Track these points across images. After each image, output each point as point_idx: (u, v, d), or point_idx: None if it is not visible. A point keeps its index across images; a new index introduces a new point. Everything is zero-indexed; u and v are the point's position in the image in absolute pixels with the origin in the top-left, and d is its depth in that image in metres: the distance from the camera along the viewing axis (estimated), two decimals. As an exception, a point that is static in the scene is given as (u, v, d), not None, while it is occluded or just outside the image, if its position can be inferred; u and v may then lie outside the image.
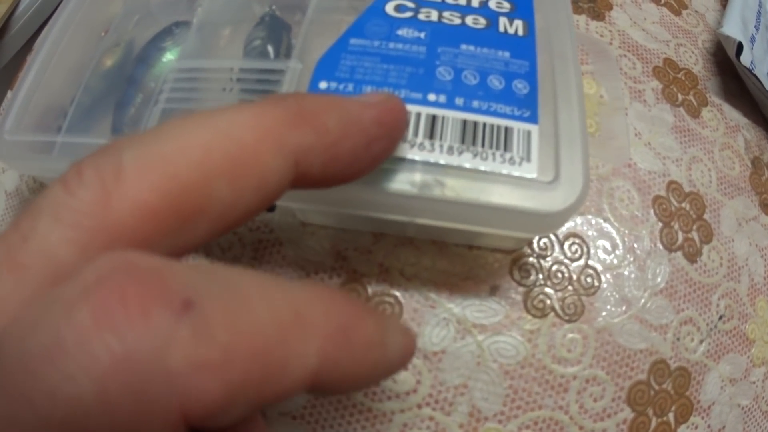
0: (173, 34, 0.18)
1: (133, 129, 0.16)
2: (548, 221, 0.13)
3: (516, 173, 0.13)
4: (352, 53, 0.14)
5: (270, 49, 0.17)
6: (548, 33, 0.15)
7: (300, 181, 0.09)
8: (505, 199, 0.12)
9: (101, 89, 0.17)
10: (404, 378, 0.16)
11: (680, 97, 0.20)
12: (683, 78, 0.21)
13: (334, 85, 0.14)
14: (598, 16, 0.20)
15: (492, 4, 0.16)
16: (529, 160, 0.13)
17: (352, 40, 0.14)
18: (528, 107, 0.13)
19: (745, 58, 0.22)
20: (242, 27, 0.19)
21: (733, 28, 0.23)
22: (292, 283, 0.08)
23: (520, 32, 0.15)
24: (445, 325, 0.16)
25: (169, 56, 0.17)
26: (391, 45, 0.14)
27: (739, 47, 0.22)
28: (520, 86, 0.14)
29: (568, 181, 0.13)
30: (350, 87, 0.14)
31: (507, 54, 0.14)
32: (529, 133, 0.13)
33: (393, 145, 0.11)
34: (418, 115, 0.13)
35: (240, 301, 0.07)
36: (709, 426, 0.19)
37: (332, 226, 0.16)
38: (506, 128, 0.13)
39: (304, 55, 0.15)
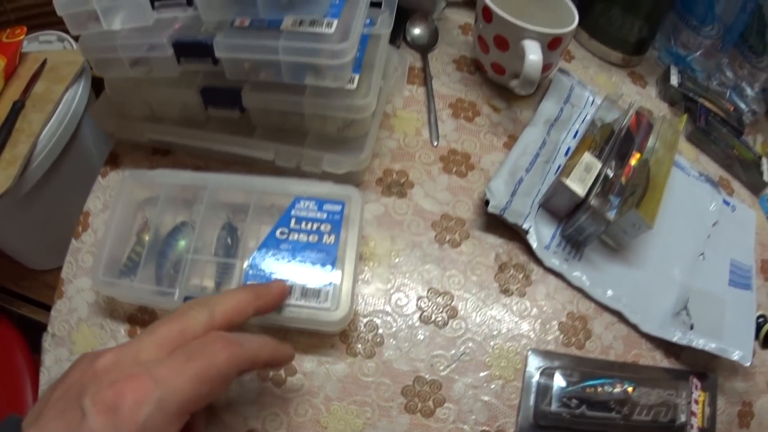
0: (182, 231, 0.48)
1: (170, 283, 0.46)
2: (334, 326, 0.42)
3: (321, 307, 0.42)
4: (262, 258, 0.44)
5: (230, 242, 0.46)
6: (346, 234, 0.44)
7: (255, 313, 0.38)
8: (314, 318, 0.41)
9: (143, 253, 0.48)
10: (296, 380, 0.46)
11: (448, 237, 0.48)
12: (453, 225, 0.48)
13: (254, 272, 0.43)
14: (403, 195, 0.48)
15: (323, 228, 0.44)
16: (326, 300, 0.42)
17: (263, 250, 0.44)
18: (331, 281, 0.42)
19: (495, 207, 0.49)
20: (215, 222, 0.49)
21: (496, 182, 0.50)
22: (253, 339, 0.36)
23: (332, 242, 0.44)
24: (311, 362, 0.46)
25: (182, 243, 0.47)
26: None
27: (487, 202, 0.48)
28: (329, 269, 0.43)
29: (342, 309, 0.41)
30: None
31: (324, 254, 0.43)
32: (329, 289, 0.42)
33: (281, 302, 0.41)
34: (292, 286, 0.42)
35: (247, 351, 0.35)
36: (459, 409, 0.47)
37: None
38: (320, 290, 0.42)
39: (243, 254, 0.44)
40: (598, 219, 0.49)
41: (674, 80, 0.66)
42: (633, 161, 0.52)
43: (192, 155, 0.53)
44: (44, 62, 0.73)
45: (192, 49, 0.46)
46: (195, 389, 0.30)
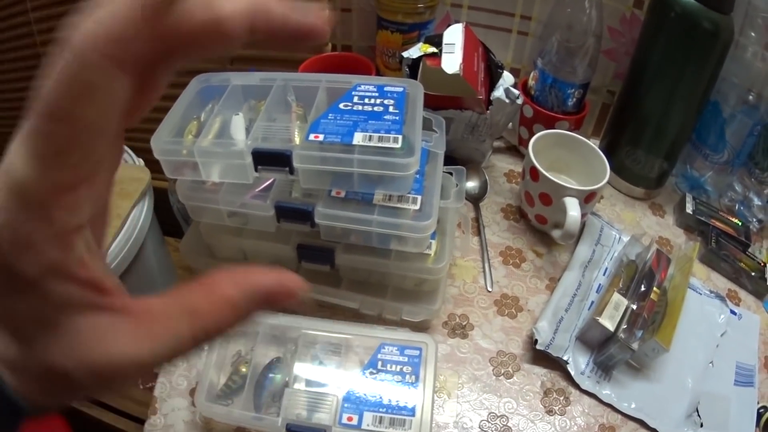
0: (277, 366, 0.64)
1: (267, 410, 0.62)
2: None
3: None
4: (355, 393, 0.60)
5: (320, 375, 0.63)
6: (424, 374, 0.60)
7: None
8: None
9: (243, 383, 0.63)
10: None
11: (503, 370, 0.65)
12: (507, 359, 0.65)
13: (349, 405, 0.60)
14: (465, 336, 0.65)
15: (405, 369, 0.61)
16: (410, 429, 0.58)
17: (355, 387, 0.60)
18: (413, 412, 0.59)
19: (542, 344, 0.66)
20: (306, 358, 0.65)
21: (542, 323, 0.67)
22: None
23: (413, 381, 0.60)
24: None
25: (278, 377, 0.63)
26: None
27: (536, 341, 0.65)
28: (411, 404, 0.59)
29: None
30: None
31: (407, 389, 0.60)
32: (412, 419, 0.59)
33: None
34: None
35: None
36: None
37: None
38: (404, 419, 0.59)
39: (337, 388, 0.61)
40: (624, 349, 0.66)
41: (689, 208, 0.84)
42: (654, 296, 0.70)
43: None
44: (108, 173, 0.88)
45: (293, 214, 0.62)
46: None
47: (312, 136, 0.57)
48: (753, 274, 0.83)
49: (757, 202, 0.90)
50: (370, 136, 0.56)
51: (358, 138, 0.56)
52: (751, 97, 0.83)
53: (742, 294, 0.84)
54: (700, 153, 0.86)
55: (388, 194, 0.60)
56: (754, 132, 0.84)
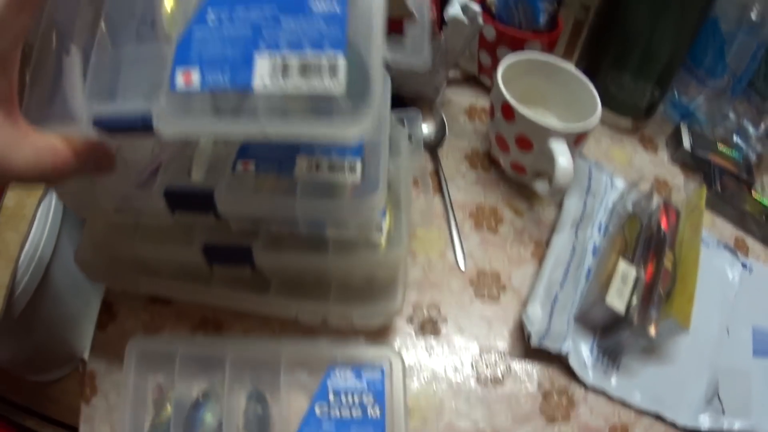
0: (205, 405, 0.46)
1: None
2: None
3: None
4: None
5: (260, 411, 0.45)
6: (392, 403, 0.44)
7: None
8: None
9: (165, 428, 0.46)
10: None
11: (490, 375, 0.49)
12: (494, 360, 0.49)
13: None
14: (437, 332, 0.48)
15: (365, 400, 0.44)
16: None
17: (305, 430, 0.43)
18: None
19: (536, 336, 0.50)
20: (239, 389, 0.47)
21: (533, 306, 0.51)
22: None
23: (377, 415, 0.43)
24: None
25: (208, 417, 0.46)
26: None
27: (528, 335, 0.49)
28: None
29: None
30: None
31: (371, 428, 0.43)
32: None
33: None
34: None
35: None
36: None
37: None
38: None
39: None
40: (639, 334, 0.51)
41: (686, 142, 0.70)
42: (668, 263, 0.54)
43: (197, 305, 0.51)
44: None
45: (189, 201, 0.42)
46: None
47: (180, 76, 0.30)
48: (761, 217, 0.68)
49: (753, 132, 0.75)
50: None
51: (263, 68, 0.29)
52: (753, 16, 0.67)
53: (750, 241, 0.70)
54: (693, 76, 0.71)
55: (315, 161, 0.41)
56: (757, 56, 0.69)
